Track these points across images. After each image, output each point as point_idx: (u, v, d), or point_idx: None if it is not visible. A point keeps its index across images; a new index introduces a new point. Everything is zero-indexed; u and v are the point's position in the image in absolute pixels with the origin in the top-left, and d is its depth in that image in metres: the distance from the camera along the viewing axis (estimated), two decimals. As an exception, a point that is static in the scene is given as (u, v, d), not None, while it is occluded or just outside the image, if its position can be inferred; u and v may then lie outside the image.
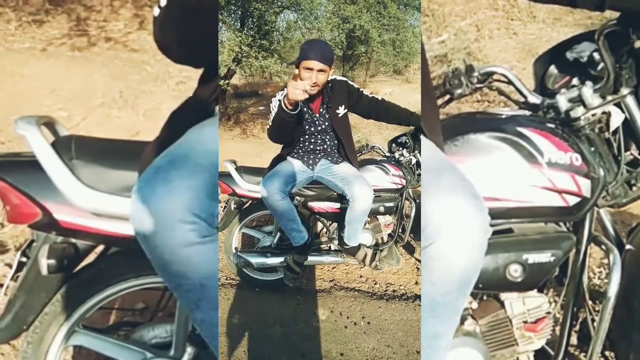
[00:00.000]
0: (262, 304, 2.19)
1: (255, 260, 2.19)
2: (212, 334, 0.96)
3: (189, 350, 1.06)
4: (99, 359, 1.10)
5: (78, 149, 1.03)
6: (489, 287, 1.05)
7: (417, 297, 2.31)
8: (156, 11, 0.93)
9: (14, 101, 3.40)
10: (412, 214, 2.31)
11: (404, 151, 2.29)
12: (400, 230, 2.31)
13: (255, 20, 6.95)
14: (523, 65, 3.25)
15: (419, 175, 2.31)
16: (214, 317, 0.93)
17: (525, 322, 1.08)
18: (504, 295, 1.09)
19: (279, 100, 1.84)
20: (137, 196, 0.87)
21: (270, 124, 1.92)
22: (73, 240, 1.05)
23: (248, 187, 2.11)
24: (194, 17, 0.91)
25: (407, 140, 2.31)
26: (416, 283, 2.46)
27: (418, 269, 2.59)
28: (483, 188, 0.97)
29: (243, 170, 2.17)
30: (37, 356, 1.07)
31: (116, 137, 1.12)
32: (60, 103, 3.56)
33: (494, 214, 1.01)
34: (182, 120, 1.06)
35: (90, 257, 1.11)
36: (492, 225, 0.93)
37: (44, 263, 0.99)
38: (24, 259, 1.07)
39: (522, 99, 1.11)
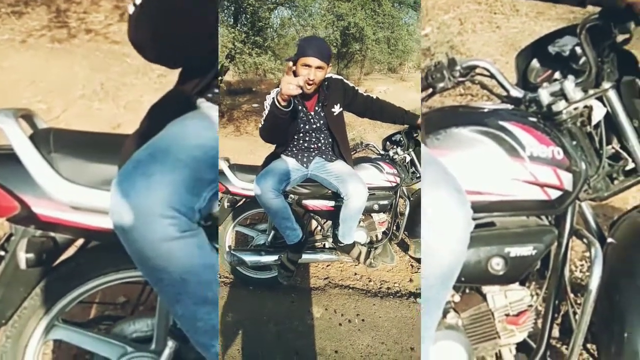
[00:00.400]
0: (256, 302, 2.19)
1: (249, 258, 2.18)
2: (193, 328, 0.95)
3: (170, 344, 1.05)
4: (79, 354, 1.09)
5: (57, 142, 1.02)
6: (471, 281, 1.05)
7: (412, 294, 2.32)
8: (131, 9, 0.92)
9: None
10: (407, 212, 2.32)
11: (398, 149, 2.29)
12: (394, 228, 2.32)
13: (249, 16, 6.92)
14: (506, 59, 3.26)
15: (413, 173, 2.32)
16: (196, 312, 0.93)
17: (507, 315, 1.08)
18: (486, 289, 1.09)
19: (273, 98, 1.84)
20: (116, 190, 0.86)
21: (262, 122, 1.91)
22: (52, 233, 1.04)
23: (241, 185, 2.10)
24: (170, 15, 0.90)
25: (402, 139, 2.31)
26: (410, 280, 2.46)
27: (412, 266, 2.60)
28: (465, 182, 0.97)
29: (236, 168, 2.16)
30: (16, 350, 1.06)
31: (97, 129, 1.11)
32: (39, 95, 3.51)
33: (476, 207, 1.01)
34: (162, 113, 1.04)
35: (70, 251, 1.10)
36: (474, 219, 0.93)
37: (23, 257, 0.98)
38: (2, 253, 1.06)
39: (504, 93, 1.11)
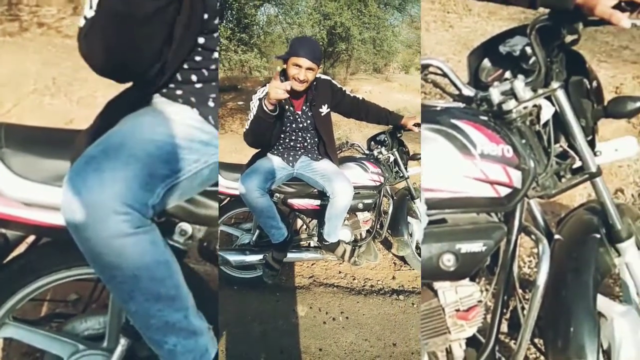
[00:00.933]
0: (241, 302, 2.19)
1: (234, 258, 2.17)
2: (146, 325, 0.95)
3: (123, 341, 1.05)
4: (30, 351, 1.08)
5: (8, 137, 1.01)
6: (423, 276, 1.07)
7: (394, 291, 2.36)
8: (81, 21, 0.88)
9: None
10: (390, 211, 2.36)
11: (383, 149, 2.33)
12: (378, 227, 2.35)
13: (234, 13, 6.89)
14: (458, 57, 3.30)
15: (397, 172, 2.37)
16: (149, 309, 0.93)
17: (457, 311, 1.10)
18: (437, 284, 1.11)
19: (259, 100, 1.85)
20: (68, 186, 0.86)
21: (247, 126, 1.92)
22: (3, 230, 1.03)
23: (226, 184, 2.09)
24: (122, 32, 0.86)
25: (386, 139, 2.36)
26: (393, 278, 2.50)
27: (395, 264, 2.63)
28: (422, 180, 0.98)
29: (221, 166, 2.15)
30: (-35, 349, 1.05)
31: (49, 124, 1.10)
32: None
33: (429, 204, 1.03)
34: (117, 109, 1.04)
35: (21, 248, 1.08)
36: (427, 215, 0.95)
37: (-29, 254, 0.97)
38: (-50, 250, 1.04)
39: (456, 92, 1.12)
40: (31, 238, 1.11)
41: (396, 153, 2.32)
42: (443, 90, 1.13)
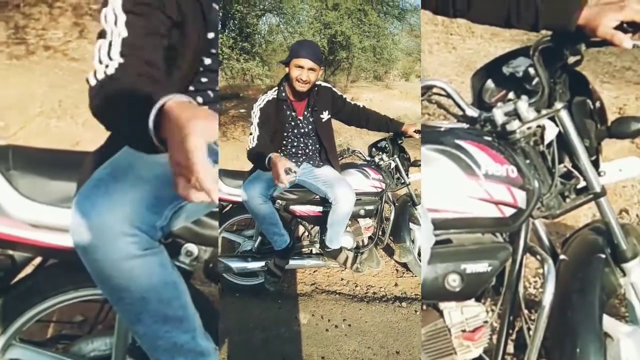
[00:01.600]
0: (243, 309, 2.18)
1: (236, 264, 2.18)
2: (154, 347, 0.95)
3: (129, 362, 1.05)
4: (36, 373, 1.08)
5: (16, 159, 1.02)
6: (428, 297, 1.07)
7: (397, 298, 2.35)
8: (92, 81, 0.81)
9: None
10: (392, 217, 2.36)
11: (384, 155, 2.34)
12: (380, 233, 2.35)
13: (236, 22, 6.94)
14: (462, 79, 3.33)
15: (398, 179, 2.38)
16: (157, 330, 0.93)
17: (463, 331, 1.10)
18: (442, 305, 1.11)
19: (260, 109, 1.90)
20: (77, 210, 0.86)
21: (252, 141, 1.92)
22: (10, 252, 1.04)
23: (228, 191, 2.11)
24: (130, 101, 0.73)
25: (387, 145, 2.37)
26: (396, 285, 2.49)
27: (397, 270, 2.63)
28: (423, 199, 0.99)
29: (223, 173, 2.16)
30: (-28, 370, 1.05)
31: (55, 147, 1.10)
32: None
33: (434, 224, 1.03)
34: None
35: (28, 269, 1.09)
36: (430, 233, 0.95)
37: (-21, 276, 0.98)
38: (-42, 272, 1.05)
39: (460, 112, 1.13)
40: (38, 259, 1.11)
41: (397, 159, 2.34)
42: (447, 111, 1.14)
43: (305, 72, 1.86)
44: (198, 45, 0.99)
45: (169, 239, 1.02)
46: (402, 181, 2.38)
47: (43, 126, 3.40)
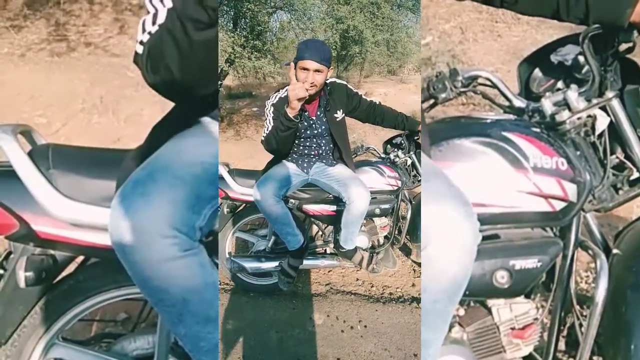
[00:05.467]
0: (257, 309, 2.17)
1: (250, 264, 2.16)
2: (196, 348, 0.94)
3: (172, 362, 1.04)
4: (80, 372, 1.07)
5: (55, 158, 1.01)
6: (476, 294, 1.04)
7: (414, 299, 2.30)
8: (139, 48, 0.84)
9: None
10: (408, 216, 2.30)
11: (399, 152, 2.26)
12: (396, 232, 2.29)
13: (248, 20, 6.92)
14: (508, 67, 3.24)
15: (415, 176, 2.30)
16: (199, 332, 0.91)
17: (512, 329, 1.07)
18: (491, 302, 1.08)
19: (273, 105, 1.82)
20: (115, 211, 0.85)
21: (266, 133, 1.89)
22: (52, 251, 1.03)
23: (241, 191, 2.09)
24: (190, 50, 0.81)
25: (403, 142, 2.29)
26: (413, 285, 2.44)
27: (415, 270, 2.57)
28: (469, 193, 0.96)
29: (236, 173, 2.14)
30: (16, 370, 1.05)
31: (97, 143, 1.10)
32: (39, 109, 3.50)
33: (480, 219, 0.99)
34: (163, 131, 1.03)
35: (70, 268, 1.08)
36: (479, 232, 0.92)
37: (22, 275, 0.97)
38: (1, 272, 1.05)
39: (506, 103, 1.09)
40: (80, 258, 1.11)
41: (413, 156, 2.26)
42: (492, 102, 1.10)
43: (310, 75, 1.78)
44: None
45: (209, 237, 1.00)
46: (419, 178, 2.29)
47: (85, 123, 3.42)
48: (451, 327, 1.07)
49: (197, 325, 0.90)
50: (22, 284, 0.97)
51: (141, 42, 0.85)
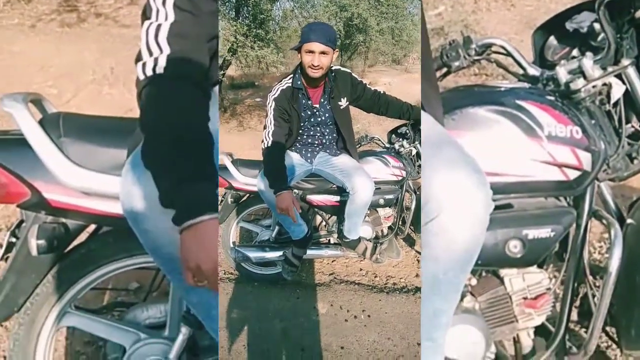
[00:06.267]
0: (261, 299, 2.18)
1: (254, 254, 2.16)
2: (209, 316, 0.94)
3: (184, 330, 1.04)
4: (92, 340, 1.08)
5: (66, 127, 1.00)
6: (489, 264, 1.04)
7: (418, 289, 2.30)
8: (141, 75, 0.83)
9: (2, 78, 3.32)
10: (413, 206, 2.28)
11: (404, 142, 2.24)
12: (400, 223, 2.28)
13: (250, 8, 6.87)
14: (521, 37, 3.19)
15: (419, 166, 2.27)
16: (211, 299, 0.91)
17: (525, 299, 1.06)
18: (503, 272, 1.08)
19: (279, 107, 1.86)
20: (126, 178, 0.85)
21: (268, 133, 1.87)
22: (63, 219, 1.03)
23: (245, 181, 2.08)
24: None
25: (407, 131, 2.27)
26: (417, 275, 2.44)
27: (418, 261, 2.56)
28: (482, 162, 0.95)
29: (240, 163, 2.13)
30: (29, 338, 1.05)
31: (108, 114, 1.09)
32: (50, 80, 3.48)
33: (494, 188, 0.98)
34: None
35: (82, 237, 1.08)
36: (492, 201, 0.91)
37: (34, 244, 0.97)
38: (13, 240, 1.05)
39: (521, 71, 1.08)
40: (92, 227, 1.11)
41: (418, 146, 2.22)
42: (507, 70, 1.09)
43: (317, 57, 1.75)
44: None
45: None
46: None
47: (95, 94, 3.39)
48: (463, 296, 1.07)
49: (208, 293, 0.90)
50: (34, 252, 0.97)
51: (144, 73, 0.83)
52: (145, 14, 0.87)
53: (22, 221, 1.05)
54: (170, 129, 0.77)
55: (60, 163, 0.96)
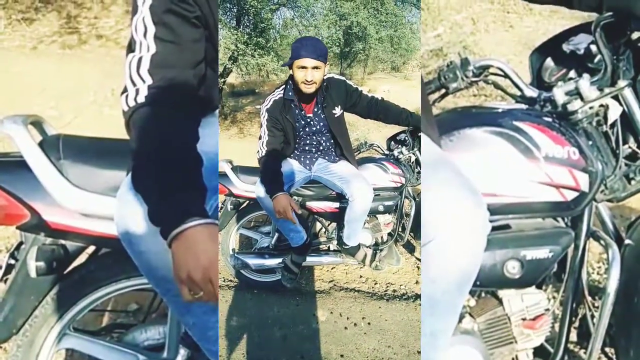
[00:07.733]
0: (260, 306, 2.17)
1: (253, 261, 2.16)
2: (204, 337, 0.94)
3: (182, 352, 1.04)
4: (91, 362, 1.08)
5: (66, 149, 1.01)
6: (487, 284, 1.04)
7: (418, 296, 2.29)
8: (124, 106, 0.86)
9: (3, 100, 3.34)
10: (412, 213, 2.28)
11: (403, 149, 2.24)
12: (400, 229, 2.28)
13: (251, 17, 6.92)
14: (519, 58, 3.22)
15: (419, 173, 2.28)
16: (207, 321, 0.91)
17: (523, 319, 1.06)
18: (502, 292, 1.08)
19: (272, 117, 1.87)
20: (121, 201, 0.85)
21: (263, 144, 1.89)
22: (62, 241, 1.03)
23: (245, 188, 2.08)
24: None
25: (406, 138, 2.27)
26: (417, 282, 2.44)
27: (418, 268, 2.56)
28: (479, 183, 0.95)
29: (239, 170, 2.14)
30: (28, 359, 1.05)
31: (109, 135, 1.09)
32: (51, 102, 3.52)
33: (491, 209, 0.99)
34: None
35: (81, 258, 1.08)
36: (490, 221, 0.92)
37: (33, 265, 0.97)
38: (12, 262, 1.05)
39: (518, 93, 1.09)
40: (91, 248, 1.11)
41: (417, 153, 2.23)
42: (504, 92, 1.09)
43: (309, 72, 1.77)
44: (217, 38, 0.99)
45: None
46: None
47: (96, 115, 3.43)
48: (462, 317, 1.06)
49: (205, 315, 0.91)
50: (33, 274, 0.98)
51: (127, 99, 0.86)
52: (130, 47, 0.89)
53: (21, 243, 1.05)
54: (153, 152, 0.79)
55: (60, 185, 0.97)
